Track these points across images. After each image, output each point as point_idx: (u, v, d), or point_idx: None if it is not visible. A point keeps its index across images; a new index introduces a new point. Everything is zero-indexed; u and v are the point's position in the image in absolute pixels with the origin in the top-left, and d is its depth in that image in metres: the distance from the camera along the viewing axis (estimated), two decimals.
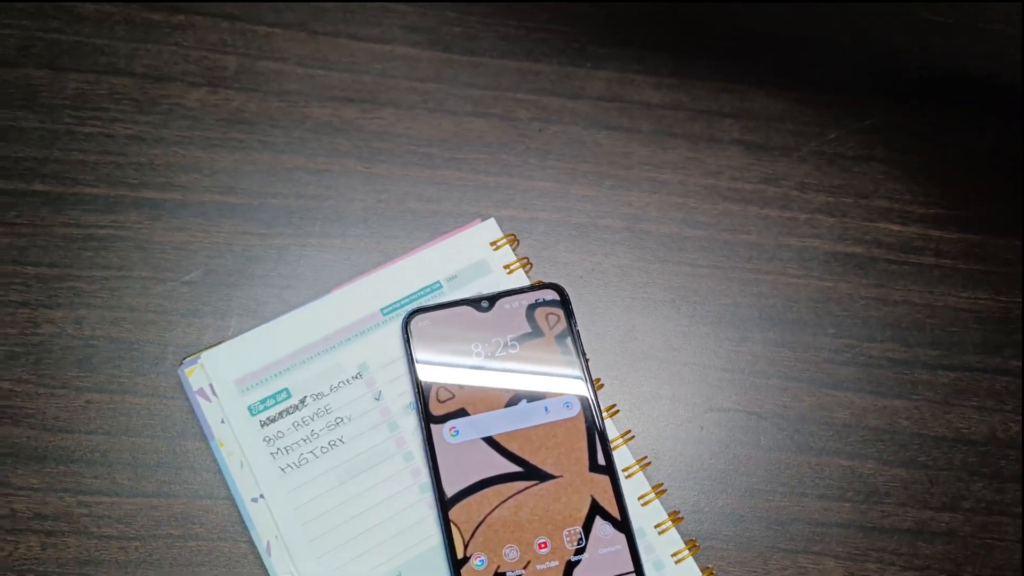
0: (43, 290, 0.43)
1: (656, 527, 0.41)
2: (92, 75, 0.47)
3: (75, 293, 0.43)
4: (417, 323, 0.42)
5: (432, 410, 0.40)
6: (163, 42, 0.48)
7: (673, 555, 0.40)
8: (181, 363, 0.41)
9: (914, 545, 0.43)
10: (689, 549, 0.41)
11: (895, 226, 0.49)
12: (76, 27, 0.48)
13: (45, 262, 0.43)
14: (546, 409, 0.41)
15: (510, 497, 0.39)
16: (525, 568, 0.38)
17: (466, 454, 0.40)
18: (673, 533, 0.41)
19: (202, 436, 0.41)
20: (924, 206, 0.50)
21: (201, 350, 0.41)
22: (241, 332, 0.42)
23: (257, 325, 0.42)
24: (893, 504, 0.44)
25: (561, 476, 0.40)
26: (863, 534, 0.43)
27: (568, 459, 0.40)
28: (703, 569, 0.41)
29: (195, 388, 0.41)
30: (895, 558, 0.43)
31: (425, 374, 0.41)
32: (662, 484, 0.42)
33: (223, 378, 0.41)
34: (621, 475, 0.41)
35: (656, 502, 0.41)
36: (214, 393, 0.40)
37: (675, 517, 0.41)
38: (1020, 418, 0.46)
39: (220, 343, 0.42)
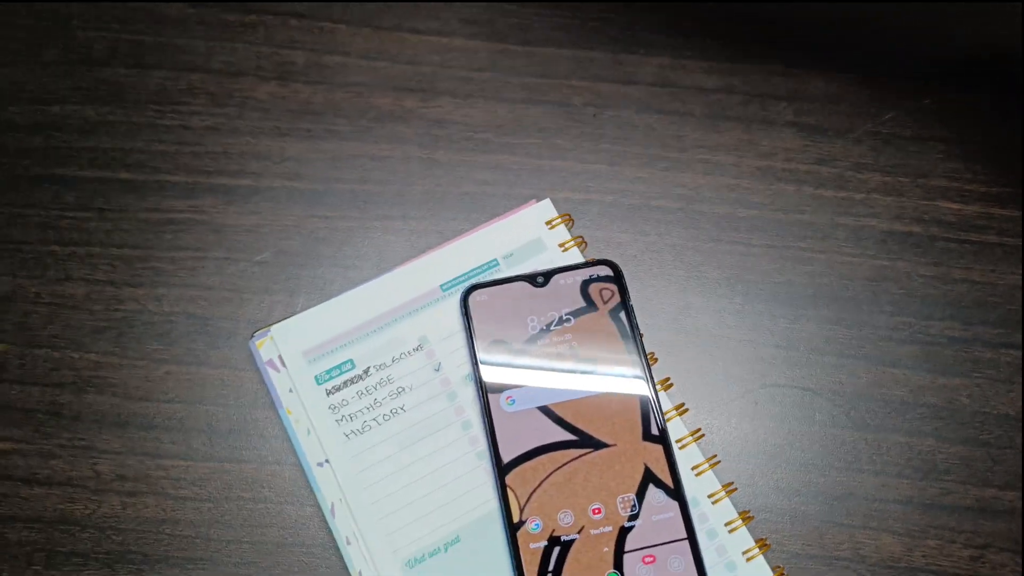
0: (126, 270, 0.46)
1: (709, 497, 0.41)
2: (172, 72, 0.50)
3: (156, 273, 0.46)
4: (475, 298, 0.43)
5: (489, 380, 0.42)
6: (237, 40, 0.51)
7: (726, 524, 0.41)
8: (252, 336, 0.44)
9: (976, 523, 0.43)
10: (743, 519, 0.41)
11: (955, 205, 0.49)
12: (158, 28, 0.51)
13: (129, 244, 0.46)
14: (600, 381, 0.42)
15: (565, 464, 0.40)
16: (579, 532, 0.39)
17: (522, 422, 0.41)
18: (727, 503, 0.41)
19: (271, 405, 0.43)
20: (985, 185, 0.49)
21: (271, 324, 0.44)
22: (308, 308, 0.44)
23: (323, 301, 0.44)
24: (953, 482, 0.44)
25: (615, 445, 0.40)
26: (922, 511, 0.43)
27: (622, 428, 0.41)
28: (757, 540, 0.41)
29: (265, 359, 0.43)
30: (956, 535, 0.43)
31: (482, 346, 0.42)
32: (716, 456, 0.43)
33: (292, 350, 0.43)
34: (675, 445, 0.42)
35: (710, 473, 0.42)
36: (283, 364, 0.43)
37: (729, 488, 0.42)
38: None
39: (289, 317, 0.44)
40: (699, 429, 0.43)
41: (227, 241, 0.47)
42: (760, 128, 0.50)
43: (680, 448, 0.42)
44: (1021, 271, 0.48)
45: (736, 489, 0.42)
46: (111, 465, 0.42)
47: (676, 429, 0.42)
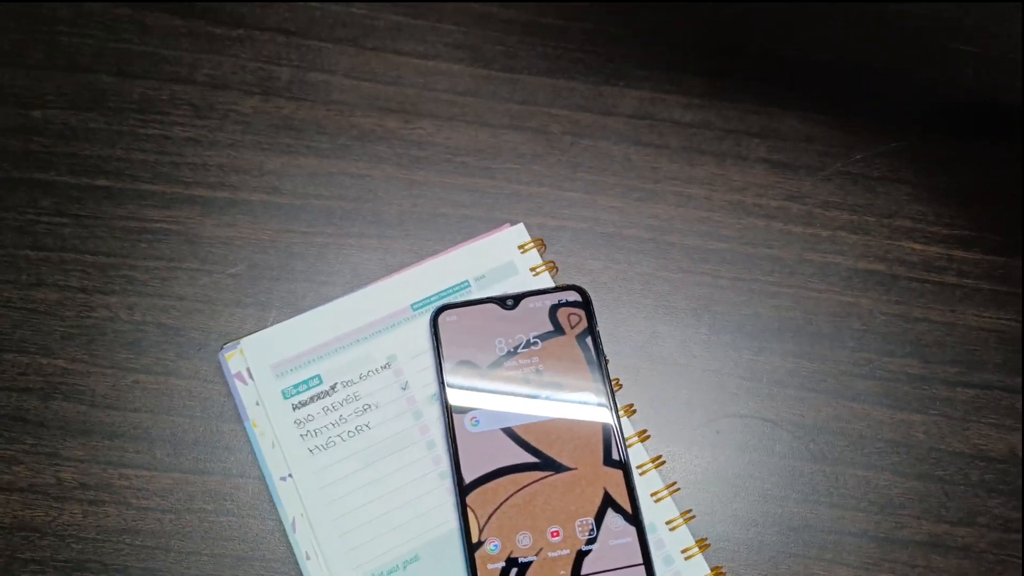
0: (100, 277, 0.46)
1: (667, 523, 0.42)
2: (156, 82, 0.51)
3: (129, 281, 0.46)
4: (445, 318, 0.44)
5: (454, 400, 0.42)
6: (223, 53, 0.52)
7: (683, 551, 0.41)
8: (222, 348, 0.44)
9: (928, 558, 0.44)
10: (699, 547, 0.42)
11: (918, 245, 0.50)
12: (145, 38, 0.52)
13: (103, 251, 0.47)
14: (564, 404, 0.42)
15: (526, 486, 0.41)
16: (537, 555, 0.39)
17: (485, 443, 0.41)
18: (684, 530, 0.42)
19: (238, 418, 0.44)
20: (948, 227, 0.51)
21: (242, 337, 0.44)
22: (279, 322, 0.45)
23: (295, 316, 0.45)
24: (908, 516, 0.44)
25: (576, 468, 0.41)
26: (876, 544, 0.44)
27: (583, 452, 0.41)
28: (712, 568, 0.42)
29: (233, 372, 0.43)
30: (908, 570, 0.43)
31: (450, 366, 0.43)
32: (676, 483, 0.43)
33: (260, 363, 0.43)
34: (635, 471, 0.42)
35: (669, 500, 0.42)
36: (251, 377, 0.43)
37: (687, 515, 0.42)
38: None
39: (260, 331, 0.44)
40: (660, 456, 0.44)
41: (202, 252, 0.47)
42: (733, 163, 0.51)
43: (640, 474, 0.43)
44: (1021, 317, 0.49)
45: (694, 517, 0.43)
46: (74, 473, 0.42)
47: (637, 455, 0.43)
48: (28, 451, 0.43)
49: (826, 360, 0.47)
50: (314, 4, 0.53)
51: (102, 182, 0.48)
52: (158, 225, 0.47)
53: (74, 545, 0.41)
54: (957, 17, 0.55)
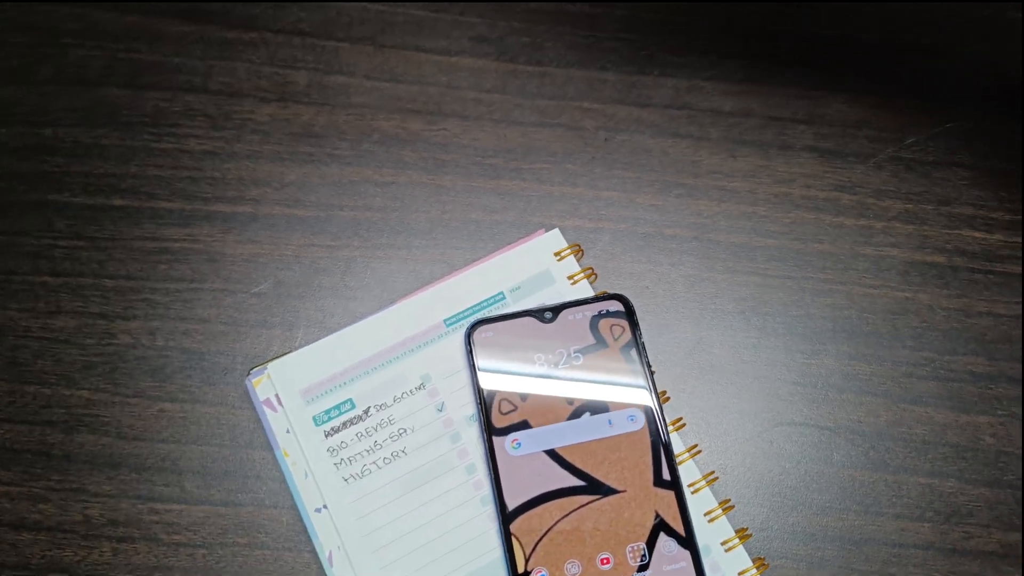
0: (120, 302, 0.44)
1: (723, 544, 0.40)
2: (169, 92, 0.49)
3: (150, 305, 0.44)
4: (480, 334, 0.42)
5: (494, 422, 0.40)
6: (236, 59, 0.50)
7: (740, 574, 0.39)
8: (249, 373, 0.42)
9: (999, 569, 0.41)
10: (757, 568, 0.39)
11: (979, 233, 0.47)
12: (155, 46, 0.50)
13: (122, 274, 0.45)
14: (610, 422, 0.40)
15: (572, 511, 0.38)
16: None
17: (528, 467, 0.39)
18: (741, 551, 0.40)
19: (268, 445, 0.42)
20: (1011, 213, 0.48)
21: (268, 360, 0.42)
22: (308, 342, 0.43)
23: (323, 336, 0.43)
24: (976, 525, 0.42)
25: (625, 491, 0.39)
26: (944, 556, 0.41)
27: (632, 473, 0.39)
28: None
29: (262, 398, 0.41)
30: None
31: (487, 385, 0.41)
32: (730, 500, 0.41)
33: (289, 388, 0.41)
34: (687, 490, 0.40)
35: (723, 518, 0.40)
36: (280, 403, 0.41)
37: (743, 534, 0.40)
38: None
39: (287, 354, 0.42)
40: (712, 472, 0.41)
41: (224, 271, 0.45)
42: (778, 153, 0.48)
43: (693, 492, 0.40)
44: None
45: (751, 535, 0.41)
46: (102, 509, 0.41)
47: (689, 472, 0.41)
48: (54, 488, 0.41)
49: (884, 361, 0.45)
50: (330, 2, 0.51)
51: (118, 201, 0.46)
52: (177, 244, 0.45)
53: None
54: None
